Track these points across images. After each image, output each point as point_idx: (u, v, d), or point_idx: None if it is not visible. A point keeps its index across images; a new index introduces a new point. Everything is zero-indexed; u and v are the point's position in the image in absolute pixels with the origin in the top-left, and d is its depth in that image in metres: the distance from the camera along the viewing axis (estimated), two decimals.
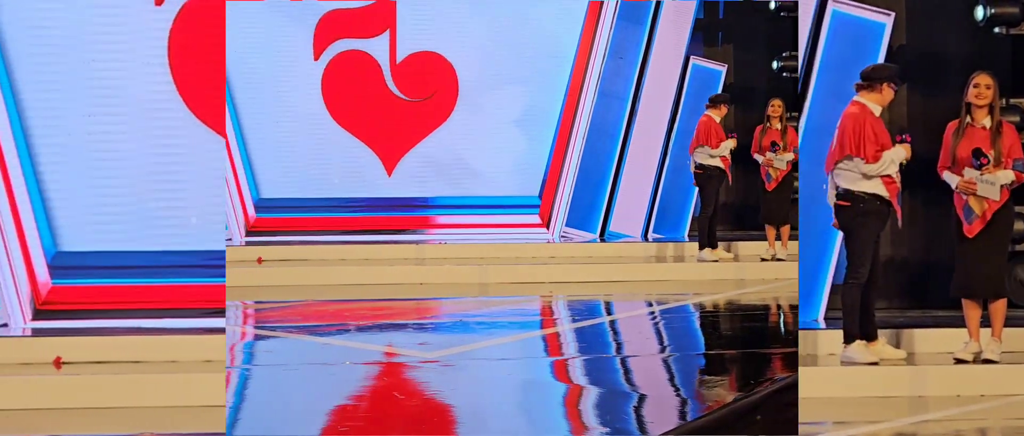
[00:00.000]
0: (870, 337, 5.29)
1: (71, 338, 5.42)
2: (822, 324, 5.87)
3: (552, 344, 6.43)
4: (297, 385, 4.93)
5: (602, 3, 10.64)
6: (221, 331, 5.50)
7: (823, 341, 5.57)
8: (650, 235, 10.60)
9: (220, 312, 5.92)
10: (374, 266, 9.17)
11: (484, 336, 6.30)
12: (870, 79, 5.32)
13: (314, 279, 8.94)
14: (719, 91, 10.39)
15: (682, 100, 10.72)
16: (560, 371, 5.48)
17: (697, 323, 7.11)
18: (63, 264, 5.96)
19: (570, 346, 6.27)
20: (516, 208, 10.70)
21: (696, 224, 9.93)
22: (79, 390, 4.93)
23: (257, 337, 6.62)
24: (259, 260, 9.53)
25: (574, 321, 7.26)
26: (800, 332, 5.65)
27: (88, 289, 5.92)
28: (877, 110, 5.31)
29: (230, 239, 10.63)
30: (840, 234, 5.55)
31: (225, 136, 6.27)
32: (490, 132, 10.89)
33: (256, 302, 8.07)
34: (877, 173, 5.18)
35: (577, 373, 5.39)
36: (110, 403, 4.87)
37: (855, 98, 5.37)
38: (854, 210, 5.23)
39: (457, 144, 11.09)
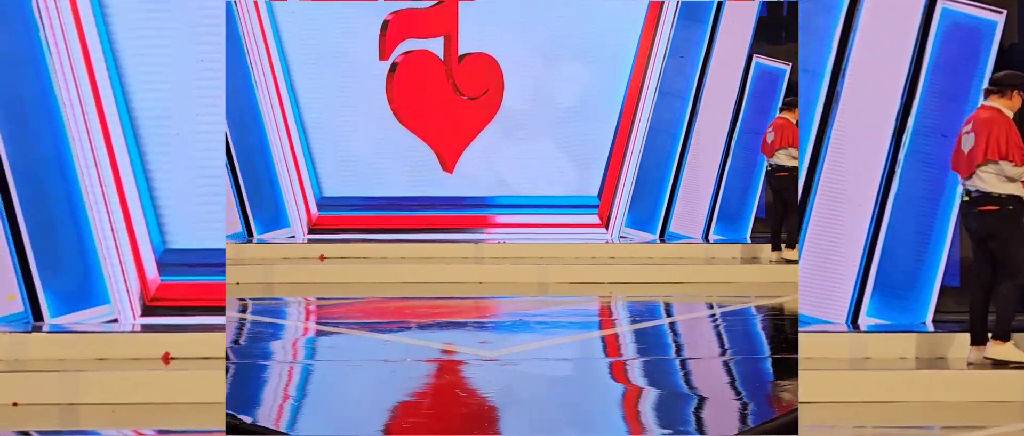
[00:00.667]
0: (1004, 338, 5.28)
1: (178, 334, 5.52)
2: (931, 327, 5.82)
3: (611, 345, 6.42)
4: (360, 381, 4.99)
5: (662, 3, 10.59)
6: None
7: (941, 344, 5.50)
8: (711, 237, 10.51)
9: None
10: (433, 264, 9.23)
11: (544, 336, 6.31)
12: (1001, 85, 5.38)
13: (374, 276, 9.03)
14: (783, 90, 10.28)
15: (745, 99, 10.62)
16: (619, 372, 5.47)
17: (759, 326, 7.04)
18: (171, 261, 6.09)
19: (629, 347, 6.25)
20: (575, 208, 10.69)
21: (766, 225, 9.85)
22: (186, 385, 5.02)
23: (319, 333, 6.71)
24: (321, 258, 9.65)
25: (633, 322, 7.24)
26: (799, 335, 5.60)
27: (195, 285, 6.03)
28: (1009, 115, 5.34)
29: (293, 237, 10.79)
30: (950, 235, 5.58)
31: (226, 137, 6.36)
32: (549, 132, 10.90)
33: (318, 298, 8.18)
34: (1020, 176, 5.22)
35: (636, 375, 5.37)
36: (216, 398, 4.89)
37: (986, 103, 5.39)
38: (1003, 213, 5.25)
39: (516, 144, 11.12)
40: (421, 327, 6.61)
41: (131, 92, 6.05)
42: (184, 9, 6.06)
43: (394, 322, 6.88)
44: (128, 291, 5.94)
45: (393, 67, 11.27)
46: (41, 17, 5.91)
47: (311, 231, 10.99)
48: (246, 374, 5.24)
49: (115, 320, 5.88)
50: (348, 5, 11.35)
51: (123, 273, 5.95)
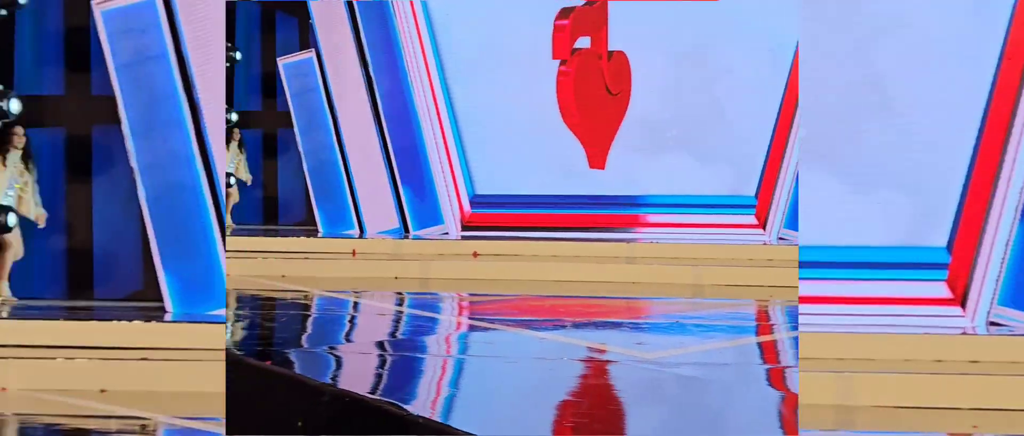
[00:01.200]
0: None
1: (483, 242, 9.93)
2: None
3: (768, 351, 6.24)
4: (519, 379, 5.01)
5: None
6: None
7: None
8: None
9: None
10: (585, 263, 9.21)
11: (700, 339, 6.19)
12: None
13: (526, 274, 9.07)
14: None
15: None
16: (776, 379, 5.31)
17: None
18: (478, 201, 10.88)
19: (788, 354, 6.05)
20: (731, 208, 10.44)
21: None
22: (488, 271, 8.97)
23: (476, 328, 6.79)
24: (474, 254, 9.78)
25: (792, 328, 7.01)
26: (800, 335, 5.25)
27: (494, 215, 10.87)
28: None
29: (447, 233, 10.97)
30: None
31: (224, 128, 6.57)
32: (703, 130, 10.70)
33: (472, 294, 8.29)
34: None
35: (793, 382, 5.20)
36: (514, 276, 8.75)
37: None
38: None
39: (669, 142, 10.96)
40: (576, 326, 6.60)
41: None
42: None
43: (549, 320, 6.89)
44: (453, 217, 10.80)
45: (563, 64, 11.29)
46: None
47: (464, 228, 11.15)
48: (406, 366, 5.34)
49: (447, 233, 10.62)
50: (502, 3, 11.44)
51: (450, 206, 10.78)
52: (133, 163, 6.34)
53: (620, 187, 11.13)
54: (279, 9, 13.31)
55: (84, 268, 7.45)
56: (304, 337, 6.41)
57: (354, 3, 11.20)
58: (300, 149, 11.56)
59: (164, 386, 5.37)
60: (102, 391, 5.33)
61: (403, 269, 9.26)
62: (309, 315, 7.30)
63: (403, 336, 6.40)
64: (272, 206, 13.16)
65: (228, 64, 12.67)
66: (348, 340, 6.37)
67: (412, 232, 10.98)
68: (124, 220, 7.17)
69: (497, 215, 11.29)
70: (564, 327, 6.55)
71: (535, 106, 11.37)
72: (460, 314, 7.69)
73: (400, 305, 7.88)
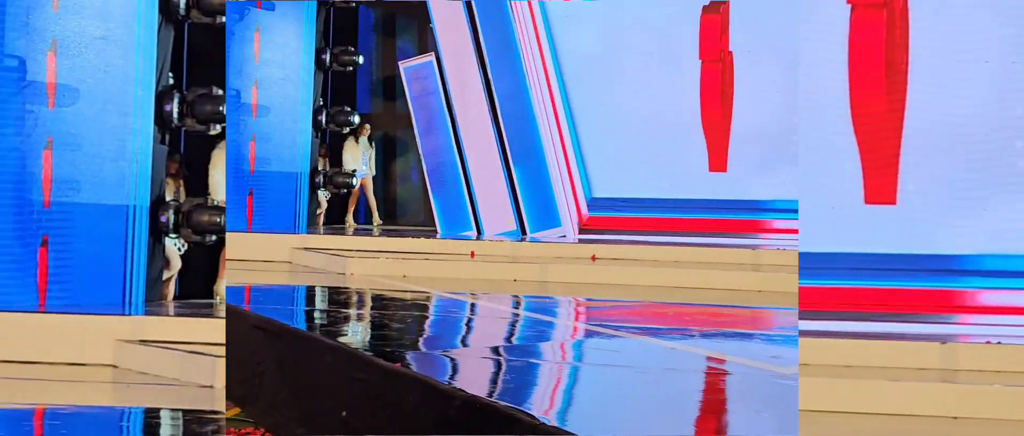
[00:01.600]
0: None
1: (602, 246, 9.79)
2: None
3: None
4: (652, 389, 4.87)
5: None
6: None
7: None
8: None
9: None
10: (709, 270, 8.98)
11: None
12: None
13: (647, 280, 8.91)
14: None
15: None
16: None
17: None
18: (595, 204, 11.40)
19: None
20: None
21: None
22: (607, 276, 8.92)
23: (600, 335, 6.67)
24: (593, 258, 9.66)
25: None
26: (799, 340, 4.91)
27: (611, 218, 11.21)
28: None
29: (564, 236, 10.88)
30: None
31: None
32: (834, 132, 10.32)
33: (591, 299, 8.17)
34: None
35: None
36: (634, 282, 8.75)
37: None
38: None
39: (793, 146, 10.63)
40: (704, 335, 6.41)
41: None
42: None
43: (675, 329, 6.72)
44: (571, 219, 11.09)
45: (664, 66, 11.13)
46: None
47: (582, 231, 11.05)
48: (533, 372, 5.27)
49: (564, 235, 10.89)
50: (617, 5, 11.31)
51: (568, 209, 11.05)
52: (420, 150, 11.46)
53: (742, 192, 10.86)
54: (399, 13, 13.45)
55: (392, 206, 13.30)
56: (431, 339, 6.40)
57: (473, 6, 11.22)
58: (420, 151, 11.65)
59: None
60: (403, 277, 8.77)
61: (521, 272, 9.21)
62: (432, 317, 7.30)
63: (527, 341, 6.33)
64: (391, 206, 13.32)
65: (351, 68, 12.87)
66: (469, 344, 6.34)
67: (529, 234, 10.94)
68: (416, 179, 12.57)
69: (615, 218, 11.15)
70: (692, 336, 6.37)
71: (653, 107, 11.20)
72: (586, 320, 7.58)
73: (516, 307, 7.82)
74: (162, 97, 6.96)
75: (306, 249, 10.11)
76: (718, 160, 10.99)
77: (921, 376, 4.97)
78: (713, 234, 10.67)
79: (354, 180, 12.26)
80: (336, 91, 12.91)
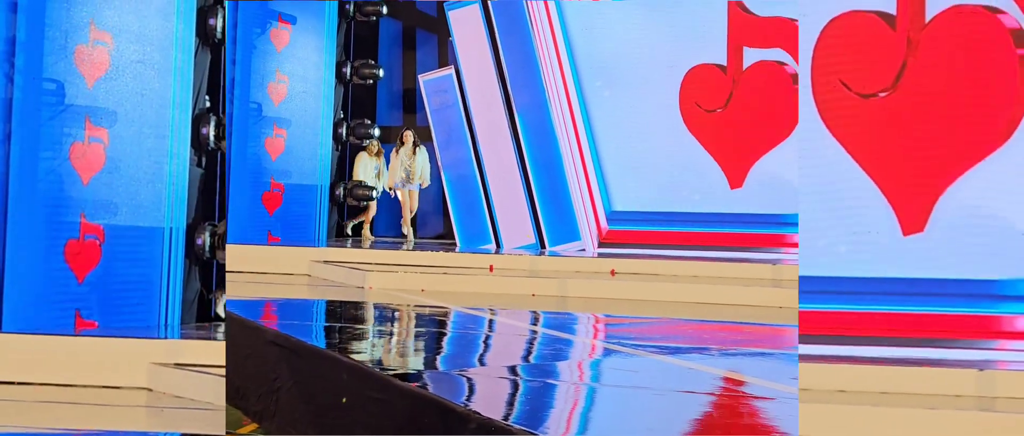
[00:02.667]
0: None
1: (621, 260, 9.82)
2: None
3: None
4: (669, 412, 4.84)
5: None
6: None
7: None
8: None
9: None
10: (728, 285, 8.93)
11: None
12: None
13: (666, 295, 8.87)
14: None
15: None
16: None
17: None
18: (615, 218, 11.36)
19: None
20: None
21: None
22: (626, 291, 8.89)
23: (608, 352, 6.63)
24: (612, 273, 9.63)
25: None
26: (800, 366, 4.82)
27: (631, 232, 11.16)
28: None
29: (583, 250, 10.85)
30: None
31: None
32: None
33: (609, 315, 8.13)
34: None
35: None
36: (653, 297, 8.72)
37: None
38: None
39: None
40: (723, 354, 6.36)
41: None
42: None
43: (693, 347, 6.67)
44: (590, 233, 11.07)
45: (684, 79, 11.10)
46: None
47: (601, 245, 11.02)
48: (547, 394, 5.25)
49: (583, 249, 10.86)
50: (639, 17, 11.29)
51: (587, 223, 11.03)
52: (439, 163, 11.65)
53: (762, 205, 10.80)
54: (420, 27, 13.49)
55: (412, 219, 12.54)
56: (449, 357, 6.39)
57: (493, 20, 11.24)
58: (439, 164, 11.66)
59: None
60: (422, 290, 8.91)
61: (540, 286, 9.19)
62: (450, 334, 7.29)
63: (545, 360, 6.31)
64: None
65: (371, 81, 12.92)
66: (486, 363, 6.33)
67: (548, 248, 10.92)
68: (436, 192, 12.44)
69: (635, 232, 11.11)
70: (710, 355, 6.33)
71: (673, 120, 11.16)
72: (603, 338, 7.55)
73: (535, 323, 7.80)
74: (198, 120, 7.02)
75: (326, 262, 10.14)
76: (735, 175, 10.95)
77: (957, 403, 4.90)
78: (734, 248, 10.61)
79: (373, 193, 12.29)
80: (356, 104, 12.96)
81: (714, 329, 7.54)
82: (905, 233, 5.58)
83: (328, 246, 11.10)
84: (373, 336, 7.00)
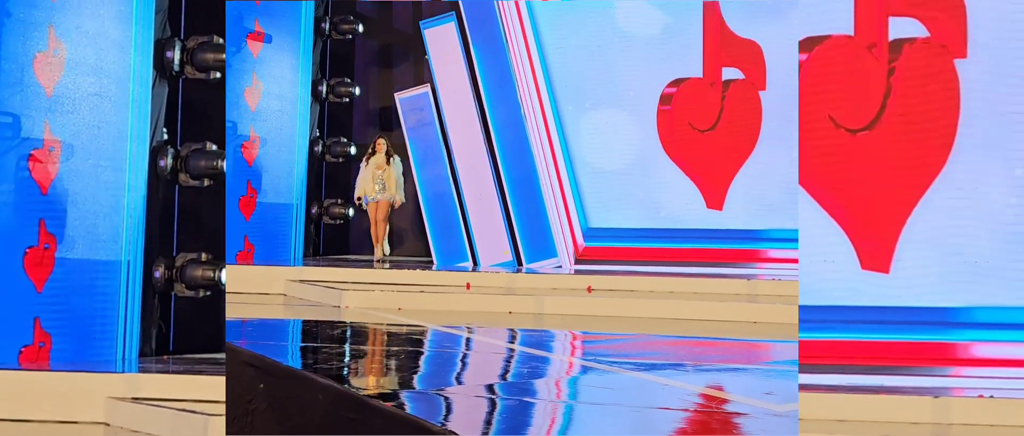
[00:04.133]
0: None
1: (598, 276, 9.78)
2: None
3: None
4: (645, 429, 4.85)
5: None
6: None
7: None
8: None
9: None
10: (704, 301, 8.98)
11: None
12: None
13: (642, 311, 8.90)
14: None
15: None
16: None
17: None
18: (591, 234, 11.25)
19: None
20: None
21: None
22: (603, 308, 8.88)
23: (585, 369, 6.65)
24: (589, 289, 9.66)
25: None
26: (800, 392, 4.89)
27: (607, 249, 11.08)
28: None
29: (560, 267, 10.87)
30: None
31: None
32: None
33: (583, 332, 8.16)
34: None
35: None
36: (630, 313, 8.69)
37: None
38: None
39: (788, 171, 10.66)
40: (698, 370, 6.39)
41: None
42: None
43: (669, 363, 6.70)
44: (566, 250, 11.16)
45: (660, 98, 11.16)
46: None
47: (578, 262, 11.05)
48: (524, 412, 5.25)
49: (560, 266, 10.94)
50: (614, 35, 11.36)
51: (564, 239, 11.09)
52: (416, 181, 11.91)
53: (738, 221, 10.87)
54: (396, 45, 13.51)
55: (388, 237, 12.15)
56: (425, 376, 6.38)
57: (468, 37, 11.28)
58: (416, 181, 11.66)
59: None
60: (399, 309, 8.91)
61: (517, 304, 9.20)
62: (427, 352, 7.28)
63: (522, 378, 6.31)
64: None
65: (347, 99, 12.91)
66: (463, 382, 6.33)
67: (525, 265, 10.93)
68: (413, 210, 12.38)
69: (611, 248, 11.15)
70: (686, 371, 6.35)
71: (649, 137, 11.23)
72: (576, 355, 7.57)
73: (512, 342, 7.81)
74: (156, 152, 6.99)
75: (301, 281, 10.11)
76: (714, 194, 11.02)
77: (914, 431, 4.92)
78: (709, 264, 10.67)
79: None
80: (333, 122, 12.95)
81: (690, 345, 7.58)
82: (864, 267, 5.65)
83: (304, 265, 11.06)
84: (349, 356, 6.98)
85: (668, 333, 7.98)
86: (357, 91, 12.88)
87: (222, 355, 6.91)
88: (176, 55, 7.07)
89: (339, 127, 12.97)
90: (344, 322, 8.45)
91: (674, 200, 11.13)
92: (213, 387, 6.01)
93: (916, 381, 5.49)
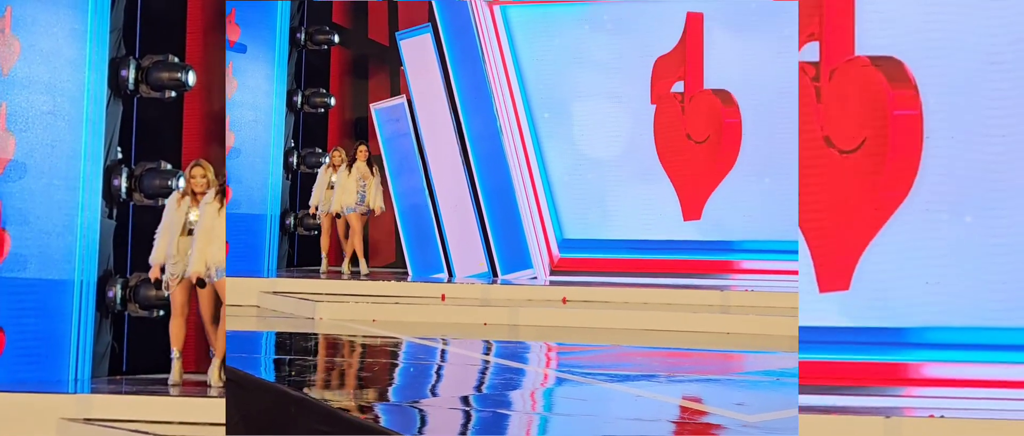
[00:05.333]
0: None
1: (572, 288, 9.77)
2: None
3: None
4: None
5: None
6: None
7: None
8: None
9: None
10: (678, 312, 9.02)
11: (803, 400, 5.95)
12: None
13: (617, 322, 8.94)
14: None
15: None
16: None
17: None
18: (566, 245, 11.24)
19: None
20: None
21: None
22: (578, 319, 8.90)
23: (560, 381, 6.68)
24: (564, 300, 9.68)
25: None
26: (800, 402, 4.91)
27: (583, 260, 11.06)
28: None
29: (535, 278, 10.89)
30: None
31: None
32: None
33: (558, 344, 8.18)
34: None
35: None
36: (604, 325, 8.67)
37: None
38: None
39: (767, 184, 10.74)
40: (671, 380, 6.43)
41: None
42: None
43: (642, 374, 6.74)
44: (542, 261, 10.91)
45: (635, 108, 11.22)
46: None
47: (553, 273, 11.07)
48: (498, 423, 5.26)
49: (535, 277, 10.65)
50: (591, 46, 11.42)
51: (539, 251, 10.90)
52: (391, 192, 11.35)
53: (712, 232, 10.94)
54: (371, 55, 13.51)
55: (363, 248, 11.55)
56: (400, 388, 6.38)
57: (444, 49, 11.30)
58: (391, 192, 11.65)
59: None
60: (373, 321, 8.90)
61: (492, 315, 9.21)
62: (401, 364, 7.28)
63: (497, 390, 6.33)
64: (363, 248, 13.27)
65: (322, 109, 12.89)
66: (438, 394, 6.33)
67: (500, 276, 10.94)
68: (388, 221, 11.91)
69: (586, 260, 11.19)
70: (659, 382, 6.39)
71: (624, 147, 11.28)
72: (551, 366, 7.59)
73: (487, 353, 7.82)
74: (110, 172, 6.94)
75: (275, 293, 10.07)
76: (691, 204, 11.09)
77: None
78: (683, 275, 10.73)
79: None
80: (308, 132, 12.93)
81: (664, 356, 7.62)
82: (822, 290, 5.70)
83: (278, 276, 11.02)
84: (323, 368, 6.96)
85: (642, 344, 8.02)
86: (332, 101, 12.86)
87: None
88: (131, 74, 7.02)
89: (314, 138, 12.94)
90: (318, 334, 8.43)
91: (650, 211, 11.17)
92: (166, 407, 5.97)
93: (867, 401, 5.51)
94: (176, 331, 6.61)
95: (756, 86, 10.77)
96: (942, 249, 5.54)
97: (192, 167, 6.66)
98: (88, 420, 5.86)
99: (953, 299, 5.54)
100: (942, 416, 5.12)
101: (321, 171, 11.69)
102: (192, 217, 6.51)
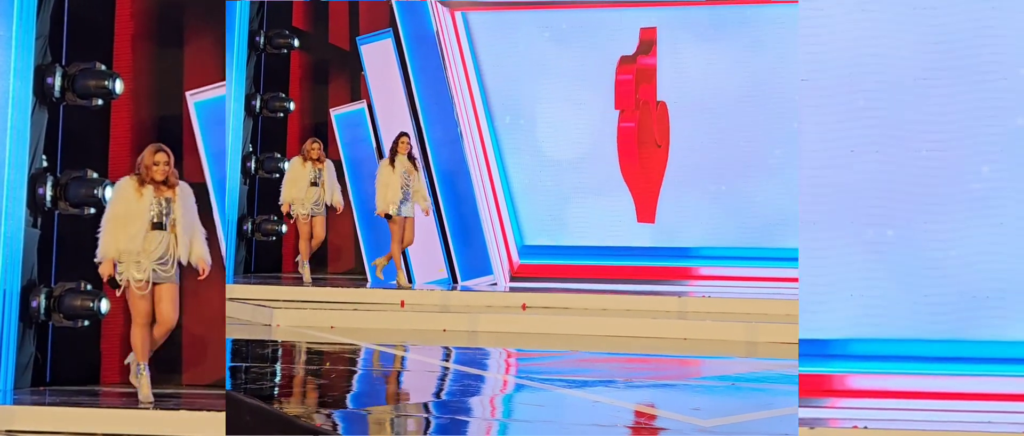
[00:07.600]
0: None
1: (532, 294, 9.87)
2: None
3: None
4: None
5: None
6: None
7: None
8: None
9: None
10: (635, 318, 9.07)
11: (758, 405, 6.02)
12: None
13: (576, 328, 8.96)
14: None
15: None
16: None
17: None
18: (526, 251, 11.22)
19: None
20: (789, 260, 10.19)
21: None
22: (537, 325, 8.92)
23: (519, 387, 6.68)
24: (523, 307, 9.70)
25: None
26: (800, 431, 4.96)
27: (543, 266, 11.11)
28: None
29: (495, 284, 10.91)
30: None
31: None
32: (760, 179, 10.56)
33: (517, 350, 8.20)
34: None
35: None
36: (564, 331, 8.71)
37: None
38: None
39: (723, 191, 10.85)
40: (628, 386, 6.47)
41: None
42: None
43: (600, 380, 6.77)
44: (502, 267, 11.03)
45: (597, 115, 11.29)
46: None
47: (513, 279, 11.09)
48: (457, 430, 5.26)
49: (495, 284, 10.73)
50: (552, 55, 11.47)
51: (499, 257, 10.99)
52: (350, 198, 11.65)
53: (670, 238, 11.02)
54: (332, 60, 13.45)
55: (321, 254, 11.82)
56: (359, 395, 6.35)
57: (405, 54, 11.28)
58: (350, 198, 11.60)
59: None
60: (331, 327, 8.82)
61: (451, 322, 9.20)
62: (360, 371, 7.25)
63: (455, 397, 6.32)
64: (321, 254, 13.19)
65: (281, 114, 12.81)
66: (397, 401, 6.31)
67: (461, 283, 10.94)
68: (347, 227, 11.89)
69: (546, 266, 11.22)
70: (617, 388, 6.42)
71: (585, 156, 11.34)
72: (510, 372, 7.60)
73: (446, 360, 7.82)
74: (35, 180, 6.80)
75: (231, 299, 9.97)
76: (645, 212, 11.15)
77: None
78: (641, 281, 10.80)
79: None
80: (266, 137, 12.84)
81: (622, 362, 7.66)
82: None
83: (234, 283, 10.91)
84: (279, 376, 6.91)
85: (601, 350, 8.06)
86: (292, 106, 12.79)
87: (98, 387, 6.77)
88: (57, 81, 6.87)
89: (273, 142, 12.84)
90: (275, 341, 8.36)
91: (610, 218, 11.24)
92: (91, 419, 5.86)
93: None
94: (140, 341, 5.92)
95: (712, 95, 10.87)
96: (867, 262, 5.60)
97: (154, 152, 5.86)
98: (10, 432, 5.74)
99: (877, 311, 5.56)
100: (866, 427, 5.07)
101: (293, 166, 10.57)
102: (157, 209, 5.82)
